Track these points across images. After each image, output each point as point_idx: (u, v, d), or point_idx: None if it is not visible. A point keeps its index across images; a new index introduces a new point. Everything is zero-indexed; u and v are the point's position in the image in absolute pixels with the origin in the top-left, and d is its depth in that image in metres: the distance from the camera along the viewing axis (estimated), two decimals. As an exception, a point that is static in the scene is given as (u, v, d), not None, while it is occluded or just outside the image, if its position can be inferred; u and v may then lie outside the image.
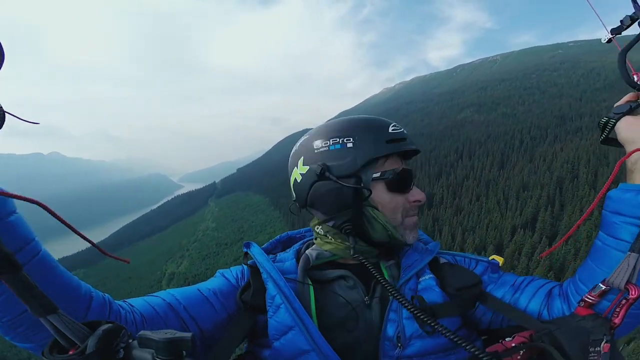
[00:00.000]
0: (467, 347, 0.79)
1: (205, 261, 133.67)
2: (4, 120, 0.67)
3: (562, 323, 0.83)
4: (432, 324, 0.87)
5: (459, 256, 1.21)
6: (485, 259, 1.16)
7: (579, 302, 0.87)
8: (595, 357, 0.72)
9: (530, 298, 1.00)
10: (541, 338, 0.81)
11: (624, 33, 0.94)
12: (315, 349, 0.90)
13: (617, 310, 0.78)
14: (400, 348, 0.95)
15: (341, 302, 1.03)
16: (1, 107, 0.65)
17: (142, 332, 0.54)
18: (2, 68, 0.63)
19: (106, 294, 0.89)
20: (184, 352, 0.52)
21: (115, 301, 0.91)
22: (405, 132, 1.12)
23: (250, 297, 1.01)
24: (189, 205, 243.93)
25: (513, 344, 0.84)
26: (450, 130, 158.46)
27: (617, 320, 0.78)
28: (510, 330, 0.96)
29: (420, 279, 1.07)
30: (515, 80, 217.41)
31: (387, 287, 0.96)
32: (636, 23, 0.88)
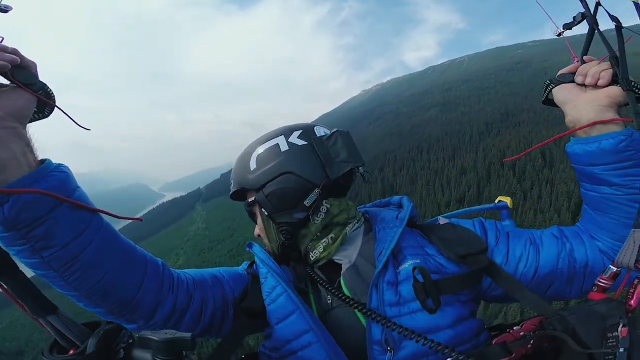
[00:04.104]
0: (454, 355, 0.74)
1: (200, 255, 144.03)
2: (52, 111, 0.77)
3: (574, 308, 0.76)
4: (406, 334, 0.82)
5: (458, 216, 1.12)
6: (490, 206, 1.09)
7: (591, 287, 0.82)
8: (614, 343, 0.65)
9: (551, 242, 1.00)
10: (552, 324, 0.74)
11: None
12: (314, 328, 0.93)
13: (631, 291, 0.73)
14: (391, 352, 0.88)
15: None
16: (54, 101, 0.75)
17: (142, 332, 0.53)
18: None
19: (160, 260, 0.97)
20: (183, 352, 0.52)
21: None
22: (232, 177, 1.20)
23: (249, 303, 1.04)
24: (175, 212, 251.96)
25: (522, 333, 0.78)
26: (417, 128, 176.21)
27: (632, 302, 0.71)
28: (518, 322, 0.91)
29: (400, 269, 0.98)
30: (476, 80, 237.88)
31: (342, 298, 0.94)
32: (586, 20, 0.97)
